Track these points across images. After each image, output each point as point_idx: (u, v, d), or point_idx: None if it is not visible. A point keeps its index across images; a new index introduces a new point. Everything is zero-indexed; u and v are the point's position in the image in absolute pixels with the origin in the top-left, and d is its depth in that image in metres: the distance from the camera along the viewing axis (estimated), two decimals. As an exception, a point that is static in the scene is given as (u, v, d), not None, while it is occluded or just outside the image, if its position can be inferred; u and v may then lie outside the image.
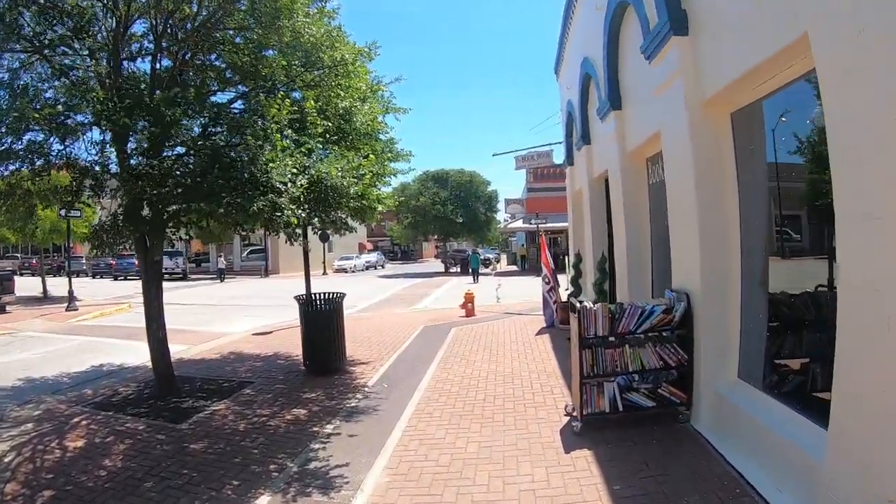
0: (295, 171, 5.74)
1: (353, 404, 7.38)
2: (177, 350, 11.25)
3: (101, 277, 40.95)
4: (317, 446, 5.92)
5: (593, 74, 10.17)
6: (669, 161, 6.42)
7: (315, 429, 6.48)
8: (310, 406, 7.38)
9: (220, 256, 40.88)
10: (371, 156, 7.17)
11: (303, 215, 6.12)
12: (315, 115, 6.59)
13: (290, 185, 5.61)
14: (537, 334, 11.68)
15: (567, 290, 14.00)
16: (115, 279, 39.61)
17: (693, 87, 5.65)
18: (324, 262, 45.46)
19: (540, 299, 13.31)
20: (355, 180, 6.47)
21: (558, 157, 16.92)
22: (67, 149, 6.58)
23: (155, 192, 6.24)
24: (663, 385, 6.03)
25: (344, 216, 8.58)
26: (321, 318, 8.95)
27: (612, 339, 5.93)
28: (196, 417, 6.94)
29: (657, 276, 8.50)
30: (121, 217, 6.77)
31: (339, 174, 6.20)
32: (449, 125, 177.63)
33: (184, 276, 39.97)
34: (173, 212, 6.37)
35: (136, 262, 38.79)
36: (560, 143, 16.47)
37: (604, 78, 9.11)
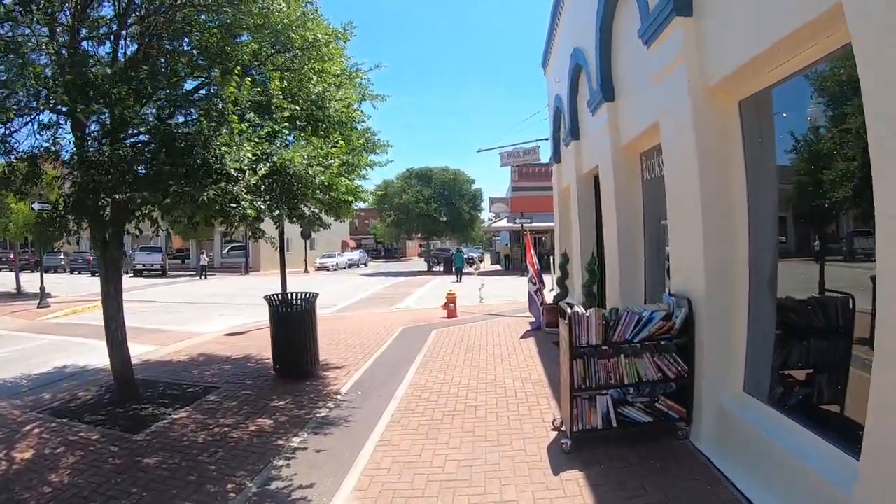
0: (252, 156, 5.10)
1: (323, 414, 6.80)
2: (145, 351, 10.67)
3: (80, 273, 39.73)
4: (281, 463, 5.35)
5: (584, 65, 9.66)
6: (669, 153, 5.89)
7: (280, 442, 5.90)
8: (276, 416, 6.79)
9: (202, 253, 40.04)
10: (341, 142, 6.51)
11: (262, 207, 5.49)
12: (281, 97, 5.96)
13: (247, 172, 4.99)
14: (522, 337, 11.16)
15: (552, 290, 13.51)
16: (93, 275, 38.47)
17: (696, 73, 5.14)
18: (305, 260, 44.75)
19: (525, 300, 12.78)
20: (322, 169, 5.82)
21: (545, 154, 16.16)
22: (9, 133, 5.94)
23: (105, 180, 5.60)
24: (660, 398, 5.52)
25: (317, 210, 7.96)
26: (292, 320, 8.36)
27: (605, 348, 5.39)
28: (154, 427, 6.36)
29: (651, 279, 8.01)
30: (66, 206, 6.11)
31: (305, 162, 5.57)
32: (434, 123, 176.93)
33: (163, 273, 38.94)
34: (121, 202, 5.69)
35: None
36: (547, 139, 15.94)
37: (595, 67, 8.60)
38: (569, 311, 5.29)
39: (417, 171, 44.82)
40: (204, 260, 38.81)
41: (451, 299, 14.37)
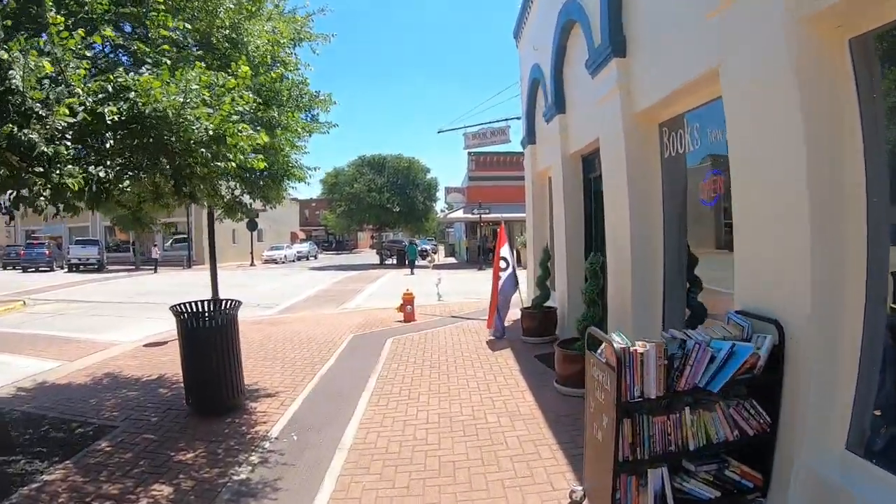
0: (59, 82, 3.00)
1: (242, 477, 4.81)
2: (45, 369, 8.52)
3: (14, 268, 36.04)
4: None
5: (580, 19, 7.83)
6: (747, 118, 4.11)
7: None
8: (180, 479, 4.77)
9: (156, 246, 37.13)
10: (244, 68, 4.38)
11: (99, 174, 3.37)
12: (163, 9, 3.86)
13: (56, 106, 2.89)
14: (496, 349, 9.31)
15: (524, 291, 11.72)
16: (24, 270, 35.01)
17: None
18: (251, 253, 41.98)
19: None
20: (208, 110, 3.78)
21: (516, 136, 14.26)
22: None
23: None
24: (730, 463, 3.75)
25: (235, 189, 5.89)
26: (207, 339, 6.30)
27: (664, 400, 3.56)
28: (15, 498, 4.39)
29: (671, 283, 6.27)
30: None
31: (179, 100, 3.52)
32: (390, 115, 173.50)
33: (100, 268, 35.68)
34: None
35: (48, 252, 35.16)
36: (517, 118, 14.11)
37: (601, 13, 6.77)
38: (616, 344, 3.41)
39: (370, 159, 42.33)
40: (156, 253, 36.08)
41: (407, 300, 12.43)
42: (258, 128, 4.66)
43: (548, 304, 9.74)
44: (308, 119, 6.50)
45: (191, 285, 22.90)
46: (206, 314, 6.35)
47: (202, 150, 3.63)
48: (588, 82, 7.74)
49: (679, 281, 6.19)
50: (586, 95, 8.14)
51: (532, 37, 11.56)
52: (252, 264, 41.26)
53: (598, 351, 3.74)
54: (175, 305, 6.43)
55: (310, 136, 6.27)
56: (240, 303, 6.80)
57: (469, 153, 43.14)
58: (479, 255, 35.82)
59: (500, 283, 10.22)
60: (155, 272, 33.78)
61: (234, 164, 4.10)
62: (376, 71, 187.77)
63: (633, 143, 6.48)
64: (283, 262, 45.05)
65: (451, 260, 49.80)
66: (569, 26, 8.74)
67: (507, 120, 14.06)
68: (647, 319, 6.40)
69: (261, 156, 4.58)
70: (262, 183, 5.89)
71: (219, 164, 3.90)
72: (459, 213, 41.97)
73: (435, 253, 50.93)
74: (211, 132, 3.58)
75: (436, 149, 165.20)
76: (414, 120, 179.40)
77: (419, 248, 44.89)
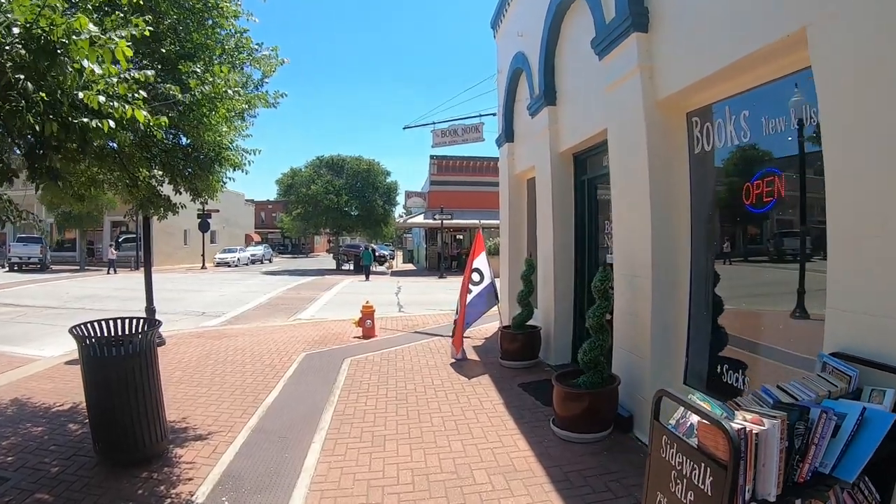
0: None
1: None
2: None
3: None
4: None
5: (582, -10, 6.70)
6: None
7: None
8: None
9: (111, 246, 34.82)
10: None
11: None
12: None
13: None
14: (472, 375, 8.05)
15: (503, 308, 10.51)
16: None
17: None
18: (203, 255, 39.80)
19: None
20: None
21: (490, 134, 13.08)
22: None
23: None
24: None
25: (152, 175, 4.47)
26: (118, 370, 4.86)
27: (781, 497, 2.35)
28: None
29: (696, 304, 5.15)
30: None
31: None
32: (353, 117, 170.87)
33: (42, 267, 32.98)
34: None
35: (7, 249, 32.02)
36: (492, 114, 12.93)
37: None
38: (731, 427, 2.15)
39: (328, 160, 40.59)
40: (112, 254, 33.53)
41: (367, 313, 11.06)
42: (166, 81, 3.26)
43: (530, 322, 8.53)
44: (251, 91, 5.10)
45: (133, 289, 21.01)
46: (117, 339, 4.92)
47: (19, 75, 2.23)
48: (590, 68, 6.66)
49: (705, 301, 5.08)
50: (588, 82, 7.04)
51: (515, 23, 10.40)
52: (203, 267, 39.11)
53: (674, 422, 2.52)
54: (76, 327, 4.98)
55: (249, 107, 4.91)
56: (159, 322, 5.40)
57: (431, 157, 41.99)
58: (440, 262, 34.51)
59: (471, 297, 8.97)
60: (114, 273, 31.65)
61: (106, 122, 2.64)
62: (340, 72, 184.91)
63: (655, 136, 5.36)
64: (236, 266, 43.11)
65: (410, 266, 48.45)
66: (566, 4, 7.59)
67: (480, 116, 12.79)
68: (667, 351, 5.27)
69: (163, 119, 3.19)
70: (186, 169, 4.50)
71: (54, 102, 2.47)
72: (419, 219, 40.64)
73: (392, 259, 49.45)
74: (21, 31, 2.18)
75: (397, 152, 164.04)
76: (377, 122, 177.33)
77: (377, 254, 43.43)
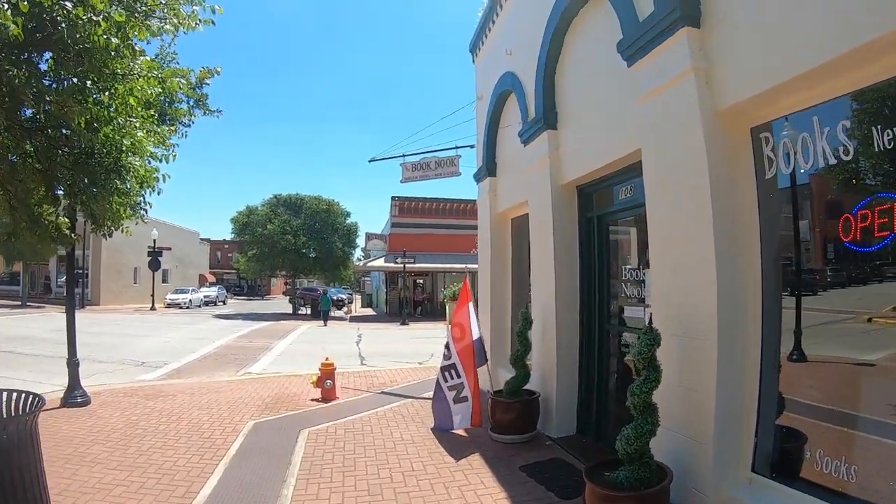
0: None
1: None
2: None
3: None
4: None
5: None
6: None
7: None
8: None
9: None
10: None
11: None
12: None
13: None
14: (460, 456, 6.51)
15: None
16: None
17: None
18: (153, 295, 37.21)
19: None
20: None
21: (467, 167, 11.79)
22: None
23: None
24: None
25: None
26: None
27: None
28: None
29: (769, 367, 3.89)
30: None
31: None
32: (313, 158, 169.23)
33: None
34: None
35: None
36: (469, 146, 11.68)
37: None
38: None
39: (286, 199, 38.77)
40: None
41: (326, 373, 9.43)
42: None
43: (527, 387, 7.10)
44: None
45: (78, 332, 18.78)
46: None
47: None
48: (608, 79, 5.51)
49: (775, 360, 3.84)
50: (604, 98, 5.89)
51: (503, 40, 9.29)
52: (153, 308, 36.53)
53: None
54: None
55: (162, 93, 3.51)
56: (41, 401, 3.80)
57: (393, 198, 40.74)
58: (402, 308, 32.82)
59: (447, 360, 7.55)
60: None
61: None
62: (301, 111, 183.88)
63: (717, 156, 4.10)
64: (188, 308, 40.73)
65: (369, 311, 46.67)
66: (573, 10, 6.47)
67: (457, 148, 11.51)
68: (734, 432, 4.01)
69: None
70: (75, 177, 3.05)
71: None
72: (380, 262, 39.12)
73: (351, 303, 47.48)
74: None
75: (358, 194, 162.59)
76: (338, 162, 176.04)
77: (334, 298, 41.60)
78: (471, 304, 7.38)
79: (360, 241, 44.38)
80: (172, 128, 4.97)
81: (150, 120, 3.86)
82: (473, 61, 11.60)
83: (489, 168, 10.17)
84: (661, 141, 4.71)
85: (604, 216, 6.75)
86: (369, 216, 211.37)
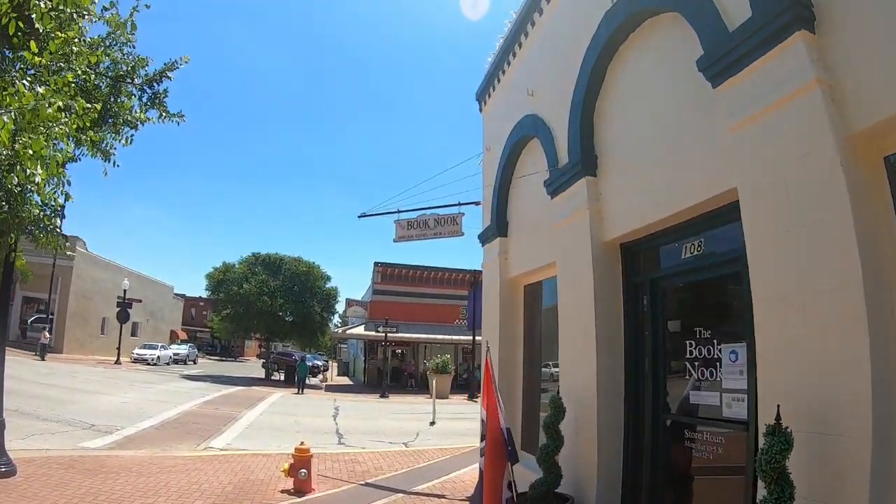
0: None
1: None
2: None
3: None
4: None
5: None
6: None
7: None
8: None
9: (45, 329, 30.54)
10: None
11: None
12: None
13: None
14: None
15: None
16: None
17: None
18: (118, 348, 34.85)
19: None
20: None
21: (472, 226, 10.54)
22: None
23: None
24: None
25: None
26: None
27: None
28: None
29: None
30: None
31: None
32: (296, 219, 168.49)
33: None
34: None
35: None
36: (473, 203, 10.51)
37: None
38: None
39: (265, 258, 37.19)
40: (45, 337, 29.27)
41: (301, 460, 7.82)
42: None
43: (559, 489, 5.64)
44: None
45: (25, 381, 16.84)
46: None
47: None
48: (680, 110, 4.40)
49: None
50: (668, 133, 4.78)
51: (522, 79, 8.26)
52: (118, 362, 34.02)
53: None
54: None
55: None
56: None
57: (376, 263, 39.48)
58: (382, 378, 30.89)
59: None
60: (41, 360, 27.18)
61: None
62: (288, 173, 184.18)
63: (855, 184, 2.93)
64: (155, 364, 38.25)
65: (345, 380, 44.57)
66: (628, 27, 5.44)
67: (460, 205, 10.35)
68: None
69: None
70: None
71: None
72: (359, 329, 37.40)
73: (326, 370, 45.29)
74: None
75: (340, 260, 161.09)
76: (321, 226, 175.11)
77: (310, 365, 39.67)
78: (496, 386, 5.96)
79: (340, 307, 42.83)
80: (114, 128, 3.91)
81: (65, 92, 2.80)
82: (480, 110, 10.63)
83: (499, 227, 8.99)
84: (772, 174, 3.54)
85: (659, 280, 5.52)
86: (350, 282, 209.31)
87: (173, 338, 56.29)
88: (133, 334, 44.43)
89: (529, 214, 8.05)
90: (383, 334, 30.94)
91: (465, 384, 32.55)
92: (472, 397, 27.01)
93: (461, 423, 16.93)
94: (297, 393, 26.30)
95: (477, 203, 10.43)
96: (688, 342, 5.06)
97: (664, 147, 5.03)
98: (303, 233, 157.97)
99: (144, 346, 40.92)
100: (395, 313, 34.44)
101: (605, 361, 5.57)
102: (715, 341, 4.72)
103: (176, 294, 60.95)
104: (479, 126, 10.69)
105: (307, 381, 29.55)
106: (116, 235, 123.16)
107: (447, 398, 26.02)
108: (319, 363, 46.52)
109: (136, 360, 37.85)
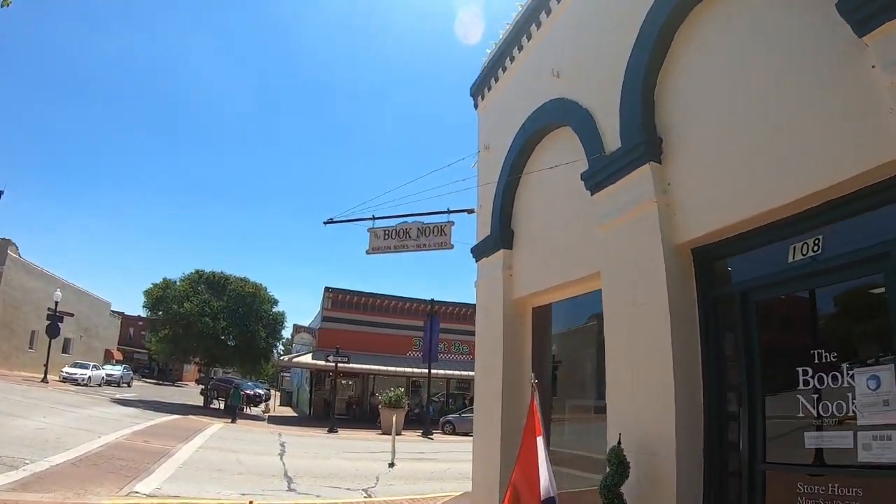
0: None
1: None
2: None
3: None
4: None
5: None
6: None
7: None
8: None
9: None
10: None
11: None
12: None
13: None
14: None
15: None
16: None
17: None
18: (46, 365, 31.67)
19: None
20: None
21: (461, 236, 9.08)
22: None
23: None
24: None
25: None
26: None
27: None
28: None
29: None
30: None
31: None
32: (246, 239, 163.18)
33: None
34: None
35: None
36: (464, 210, 9.13)
37: None
38: None
39: (209, 276, 34.53)
40: None
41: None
42: None
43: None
44: None
45: None
46: None
47: None
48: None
49: None
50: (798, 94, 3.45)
51: (543, 62, 6.98)
52: (44, 380, 30.89)
53: None
54: None
55: None
56: None
57: (326, 289, 37.55)
58: (331, 412, 28.64)
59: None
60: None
61: None
62: (239, 192, 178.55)
63: None
64: (86, 385, 35.09)
65: (288, 411, 41.99)
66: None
67: (449, 213, 8.95)
68: None
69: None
70: None
71: None
72: (307, 358, 35.20)
73: (268, 400, 42.61)
74: None
75: (289, 284, 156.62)
76: (271, 250, 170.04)
77: (251, 392, 37.19)
78: (540, 440, 4.44)
79: (287, 333, 40.47)
80: None
81: None
82: (476, 107, 9.33)
83: (503, 237, 7.62)
84: None
85: (751, 292, 4.22)
86: (298, 308, 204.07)
87: (108, 357, 52.67)
88: (65, 351, 41.58)
89: (549, 220, 6.72)
90: (333, 364, 28.94)
91: (418, 419, 30.90)
92: (426, 434, 25.29)
93: (424, 465, 15.28)
94: (230, 422, 24.24)
95: (470, 211, 9.06)
96: (800, 369, 3.77)
97: (776, 117, 3.79)
98: (251, 254, 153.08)
99: (75, 365, 37.74)
100: (344, 342, 32.58)
101: (686, 401, 4.19)
102: (844, 366, 3.53)
103: (114, 311, 57.55)
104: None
105: (248, 412, 27.60)
106: (58, 244, 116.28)
107: (401, 434, 24.31)
108: (261, 392, 43.90)
109: (65, 380, 34.74)
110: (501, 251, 7.65)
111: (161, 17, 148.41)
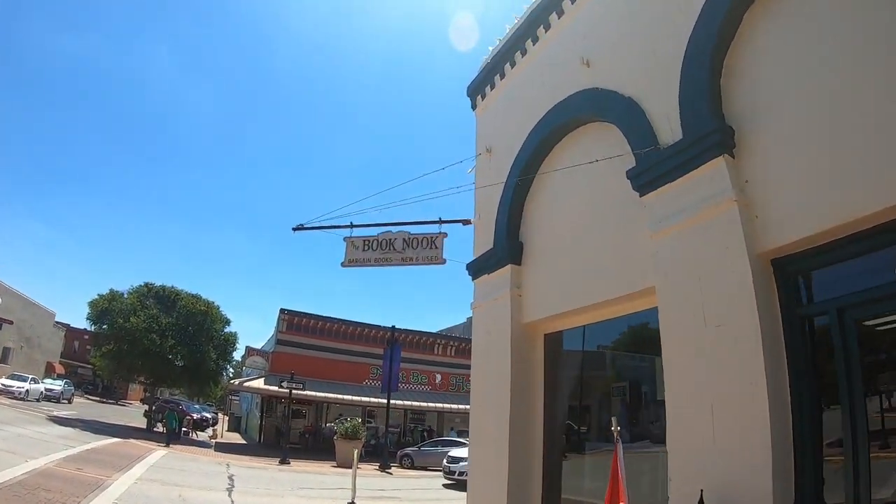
0: None
1: None
2: None
3: None
4: None
5: None
6: None
7: None
8: None
9: None
10: None
11: None
12: None
13: None
14: None
15: None
16: None
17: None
18: None
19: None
20: None
21: (455, 250, 8.13)
22: None
23: None
24: None
25: None
26: None
27: None
28: None
29: None
30: None
31: None
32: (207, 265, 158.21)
33: None
34: None
35: None
36: (459, 221, 8.25)
37: None
38: None
39: (158, 290, 32.34)
40: None
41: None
42: None
43: None
44: None
45: None
46: None
47: None
48: None
49: None
50: None
51: (567, 52, 6.22)
52: None
53: None
54: None
55: None
56: None
57: (282, 310, 35.91)
58: (283, 441, 26.88)
59: None
60: None
61: None
62: (196, 211, 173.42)
63: None
64: (23, 399, 32.66)
65: (237, 437, 39.84)
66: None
67: (441, 223, 8.07)
68: None
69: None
70: None
71: None
72: (259, 383, 33.43)
73: (215, 425, 40.28)
74: None
75: (243, 305, 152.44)
76: (226, 272, 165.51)
77: (197, 416, 35.16)
78: (621, 473, 3.54)
79: (238, 355, 38.55)
80: None
81: None
82: (473, 108, 8.56)
83: (511, 251, 6.75)
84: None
85: (851, 308, 3.44)
86: (251, 330, 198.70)
87: (49, 371, 49.67)
88: (3, 361, 39.61)
89: (573, 230, 5.90)
90: (287, 390, 27.40)
91: (374, 451, 29.48)
92: (384, 468, 23.88)
93: (387, 504, 14.04)
94: (166, 445, 22.84)
95: (466, 221, 8.18)
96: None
97: (887, 104, 3.07)
98: (205, 275, 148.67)
99: (12, 377, 35.33)
100: (299, 367, 31.02)
101: (782, 445, 3.35)
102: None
103: (58, 322, 54.65)
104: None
105: (194, 437, 25.81)
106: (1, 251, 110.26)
107: (357, 468, 22.91)
108: (208, 416, 41.58)
109: (0, 392, 32.42)
110: (509, 267, 6.77)
111: (127, 25, 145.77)
